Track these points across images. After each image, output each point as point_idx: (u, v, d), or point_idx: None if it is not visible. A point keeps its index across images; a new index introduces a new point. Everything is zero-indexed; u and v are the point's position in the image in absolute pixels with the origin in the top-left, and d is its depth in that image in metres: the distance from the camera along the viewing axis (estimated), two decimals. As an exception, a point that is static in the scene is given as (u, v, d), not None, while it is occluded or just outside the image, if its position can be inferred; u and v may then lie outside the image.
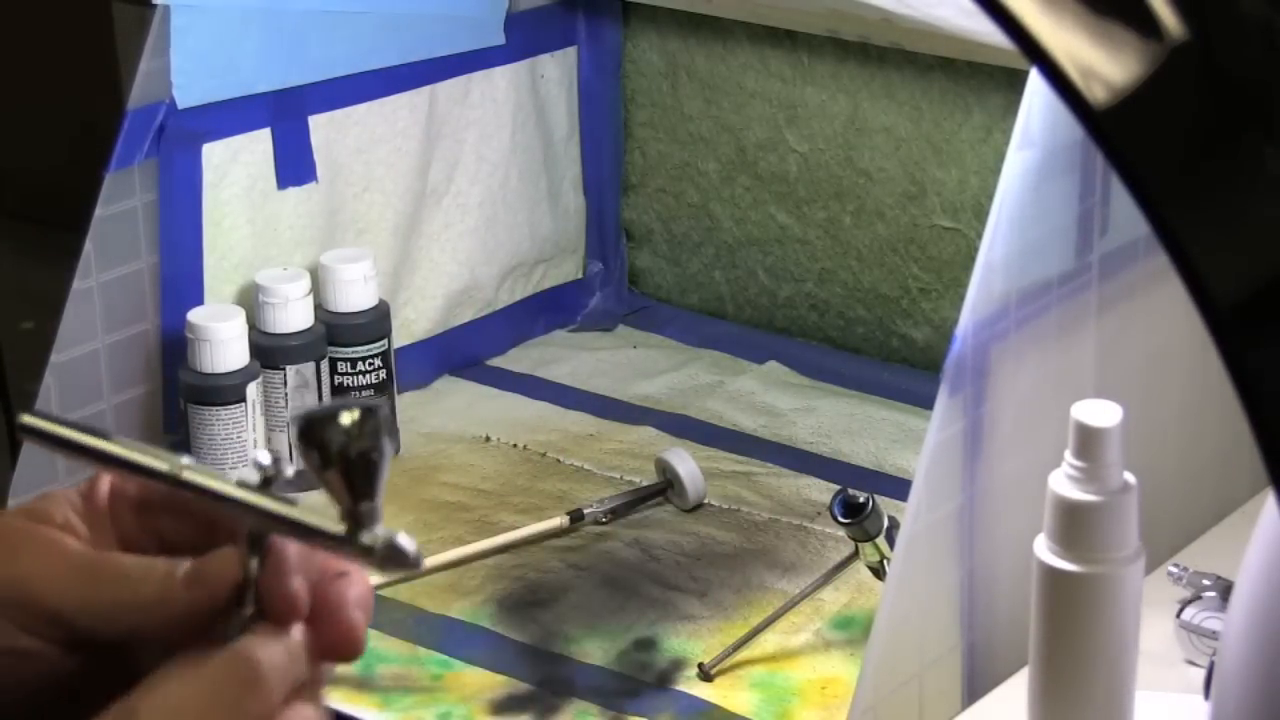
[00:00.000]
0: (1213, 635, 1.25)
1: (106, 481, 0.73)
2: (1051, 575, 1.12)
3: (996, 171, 1.20)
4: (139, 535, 0.72)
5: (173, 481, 0.70)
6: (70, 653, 0.70)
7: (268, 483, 0.70)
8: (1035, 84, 1.17)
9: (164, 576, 0.70)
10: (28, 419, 0.71)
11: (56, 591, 0.69)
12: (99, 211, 1.53)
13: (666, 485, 1.59)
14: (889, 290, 1.79)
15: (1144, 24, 0.60)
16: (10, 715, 0.71)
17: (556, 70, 1.87)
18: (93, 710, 0.71)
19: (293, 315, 1.59)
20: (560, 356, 1.85)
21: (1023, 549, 1.14)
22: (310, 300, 1.60)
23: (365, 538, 0.68)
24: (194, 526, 0.72)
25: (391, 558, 0.68)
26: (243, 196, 1.63)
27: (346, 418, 0.68)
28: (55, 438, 0.71)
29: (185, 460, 0.71)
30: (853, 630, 1.42)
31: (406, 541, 0.69)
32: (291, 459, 0.71)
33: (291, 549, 0.70)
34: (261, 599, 0.70)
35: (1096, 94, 0.59)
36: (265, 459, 0.70)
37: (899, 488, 1.47)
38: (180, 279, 1.59)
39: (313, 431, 0.69)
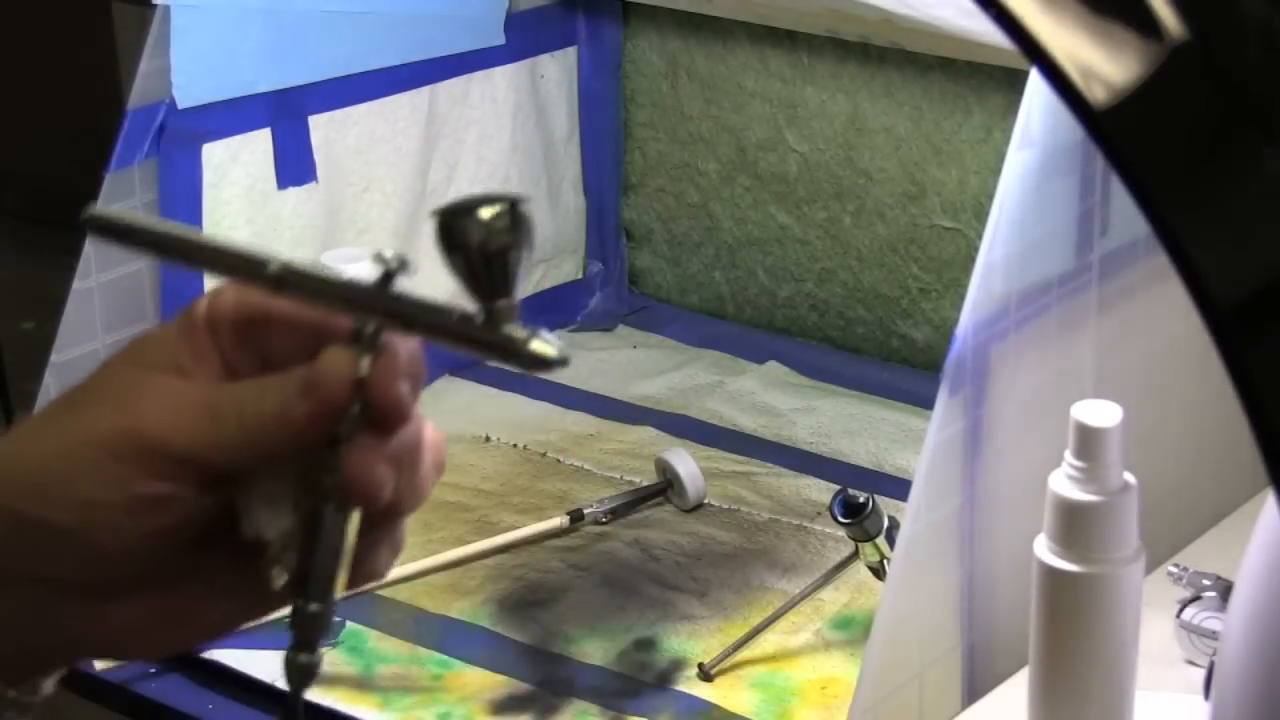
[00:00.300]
0: (1213, 635, 1.25)
1: (203, 310, 0.71)
2: (1051, 575, 1.12)
3: (996, 171, 1.20)
4: (242, 358, 0.71)
5: (277, 283, 0.69)
6: (203, 491, 0.69)
7: (388, 279, 0.68)
8: (1035, 84, 1.17)
9: (279, 392, 0.68)
10: (93, 213, 0.70)
11: (177, 434, 0.68)
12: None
13: (666, 485, 1.59)
14: (889, 290, 1.79)
15: (1144, 24, 0.60)
16: (153, 561, 0.70)
17: (556, 70, 1.87)
18: (229, 550, 0.71)
19: (293, 315, 1.59)
20: (560, 356, 1.84)
21: (1023, 549, 1.14)
22: (310, 300, 1.60)
23: (508, 331, 0.67)
24: (298, 340, 0.70)
25: (535, 355, 0.67)
26: (243, 196, 1.63)
27: (486, 211, 0.66)
28: (136, 232, 0.71)
29: (282, 260, 0.69)
30: (853, 630, 1.42)
31: (551, 339, 0.67)
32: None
33: (402, 351, 0.69)
34: (367, 399, 0.68)
35: (1096, 94, 0.59)
36: (389, 254, 0.68)
37: (899, 488, 1.47)
38: (180, 279, 1.58)
39: (451, 224, 0.66)
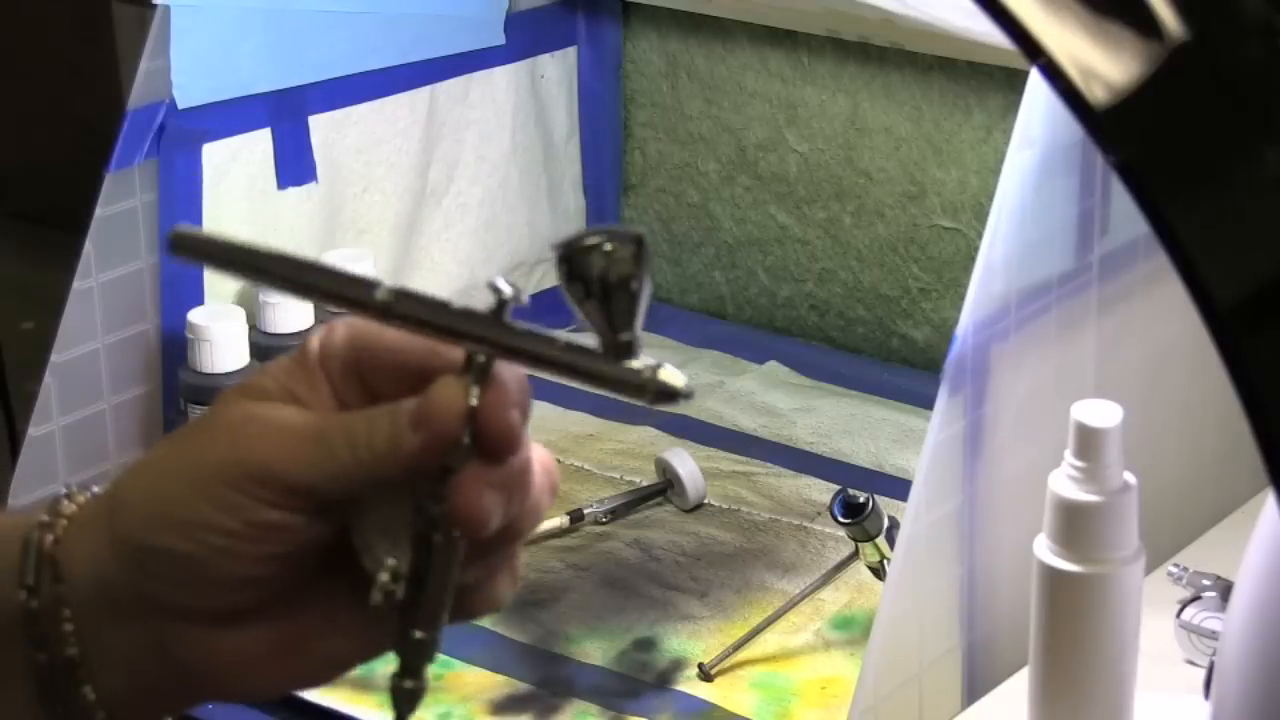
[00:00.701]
0: (1213, 635, 1.25)
1: (315, 345, 0.72)
2: (1051, 575, 1.12)
3: (996, 171, 1.20)
4: (353, 393, 0.72)
5: (384, 311, 0.69)
6: (314, 519, 0.70)
7: (502, 308, 0.68)
8: (1035, 84, 1.17)
9: (390, 422, 0.69)
10: (181, 230, 0.70)
11: (288, 462, 0.69)
12: (99, 211, 1.53)
13: (666, 485, 1.59)
14: (889, 290, 1.79)
15: (1144, 24, 0.60)
16: (269, 589, 0.71)
17: (556, 70, 1.87)
18: (346, 584, 0.72)
19: (293, 315, 1.59)
20: (560, 356, 1.84)
21: (1023, 549, 1.14)
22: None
23: (634, 366, 0.67)
24: (406, 376, 0.71)
25: (660, 388, 0.67)
26: (243, 196, 1.63)
27: (609, 244, 0.66)
28: (224, 255, 0.71)
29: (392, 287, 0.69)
30: (853, 630, 1.42)
31: (675, 373, 0.67)
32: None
33: (512, 380, 0.69)
34: (477, 429, 0.68)
35: (1096, 94, 0.59)
36: (505, 286, 0.68)
37: (899, 488, 1.47)
38: (180, 279, 1.58)
39: (574, 258, 0.66)
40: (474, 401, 0.68)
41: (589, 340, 0.68)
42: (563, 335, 0.69)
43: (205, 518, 0.70)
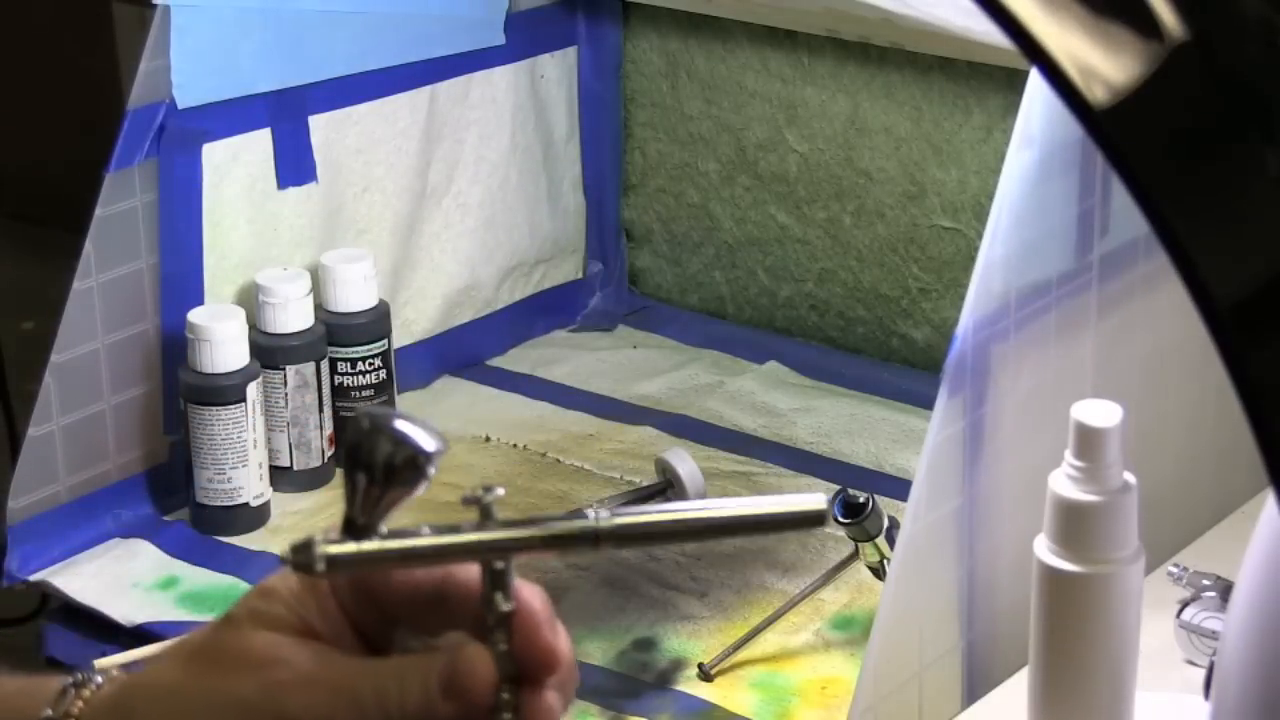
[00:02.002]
0: (1213, 635, 1.25)
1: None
2: (1051, 575, 1.12)
3: (996, 171, 1.20)
4: (367, 614, 0.72)
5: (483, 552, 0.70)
6: None
7: (487, 513, 0.70)
8: (1035, 84, 1.17)
9: (421, 685, 0.69)
10: (329, 549, 0.69)
11: (315, 714, 0.69)
12: (99, 211, 1.53)
13: (666, 485, 1.59)
14: (889, 290, 1.79)
15: (1144, 24, 0.60)
16: None
17: (556, 70, 1.87)
18: None
19: (293, 315, 1.59)
20: (560, 356, 1.85)
21: (1023, 549, 1.14)
22: (310, 300, 1.60)
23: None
24: (425, 592, 0.71)
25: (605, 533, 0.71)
26: (243, 196, 1.63)
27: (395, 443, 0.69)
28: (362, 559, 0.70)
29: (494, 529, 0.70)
30: (853, 630, 1.42)
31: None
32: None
33: (538, 602, 0.70)
34: (519, 656, 0.70)
35: (1096, 94, 0.59)
36: (498, 491, 0.70)
37: (899, 488, 1.48)
38: (180, 279, 1.59)
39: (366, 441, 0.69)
40: (505, 608, 0.70)
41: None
42: (543, 515, 0.72)
43: None
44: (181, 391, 1.55)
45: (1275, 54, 0.62)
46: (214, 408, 1.54)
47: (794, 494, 0.70)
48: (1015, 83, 1.50)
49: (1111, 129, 0.59)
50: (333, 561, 0.69)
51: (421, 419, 0.70)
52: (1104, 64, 0.59)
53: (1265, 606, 0.83)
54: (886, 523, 1.37)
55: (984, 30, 1.55)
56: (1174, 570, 1.30)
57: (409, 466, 0.68)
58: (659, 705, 1.35)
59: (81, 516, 1.55)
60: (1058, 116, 1.17)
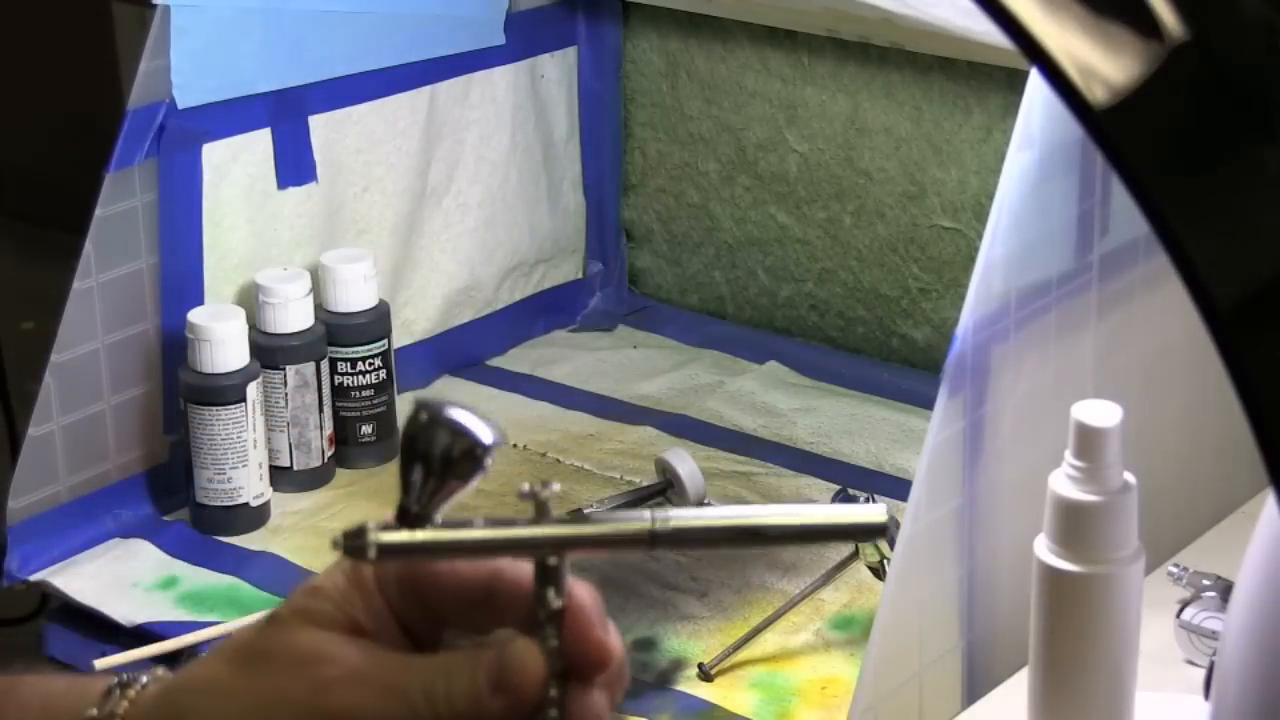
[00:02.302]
0: (1213, 635, 1.25)
1: (372, 568, 0.72)
2: (1051, 575, 1.12)
3: (996, 171, 1.20)
4: (414, 611, 0.71)
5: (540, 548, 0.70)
6: None
7: (542, 509, 0.70)
8: (1035, 84, 1.17)
9: (469, 681, 0.69)
10: (383, 537, 0.69)
11: (370, 716, 0.69)
12: (99, 211, 1.53)
13: (666, 485, 1.59)
14: (889, 290, 1.79)
15: (1144, 24, 0.60)
16: None
17: (556, 70, 1.87)
18: None
19: (293, 315, 1.59)
20: (560, 356, 1.85)
21: (1023, 549, 1.14)
22: (310, 300, 1.60)
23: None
24: (474, 590, 0.71)
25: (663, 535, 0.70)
26: (243, 196, 1.63)
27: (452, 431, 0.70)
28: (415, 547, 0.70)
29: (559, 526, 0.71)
30: (853, 630, 1.42)
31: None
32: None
33: (590, 599, 0.70)
34: (570, 653, 0.69)
35: (1096, 94, 0.59)
36: (554, 487, 0.70)
37: (899, 488, 1.47)
38: (180, 279, 1.59)
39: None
40: (557, 605, 0.70)
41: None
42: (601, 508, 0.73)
43: None
44: (181, 391, 1.55)
45: (1275, 54, 0.62)
46: (214, 408, 1.54)
47: (856, 504, 0.71)
48: (1015, 83, 1.50)
49: (1111, 129, 0.59)
50: (385, 549, 0.69)
51: (479, 410, 0.69)
52: (1104, 64, 0.59)
53: (1265, 606, 0.83)
54: (886, 523, 1.37)
55: (984, 30, 1.55)
56: (1174, 570, 1.30)
57: (467, 458, 0.69)
58: (659, 705, 1.35)
59: (81, 516, 1.55)
60: (1058, 117, 1.17)
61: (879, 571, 1.39)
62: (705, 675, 1.38)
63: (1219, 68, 0.61)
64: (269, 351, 1.59)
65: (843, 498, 1.36)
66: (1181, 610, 1.28)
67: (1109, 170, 1.18)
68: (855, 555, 1.42)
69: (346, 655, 0.70)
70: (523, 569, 0.70)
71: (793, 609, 1.44)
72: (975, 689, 1.26)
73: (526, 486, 0.70)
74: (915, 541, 1.19)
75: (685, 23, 1.85)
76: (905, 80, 1.73)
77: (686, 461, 1.58)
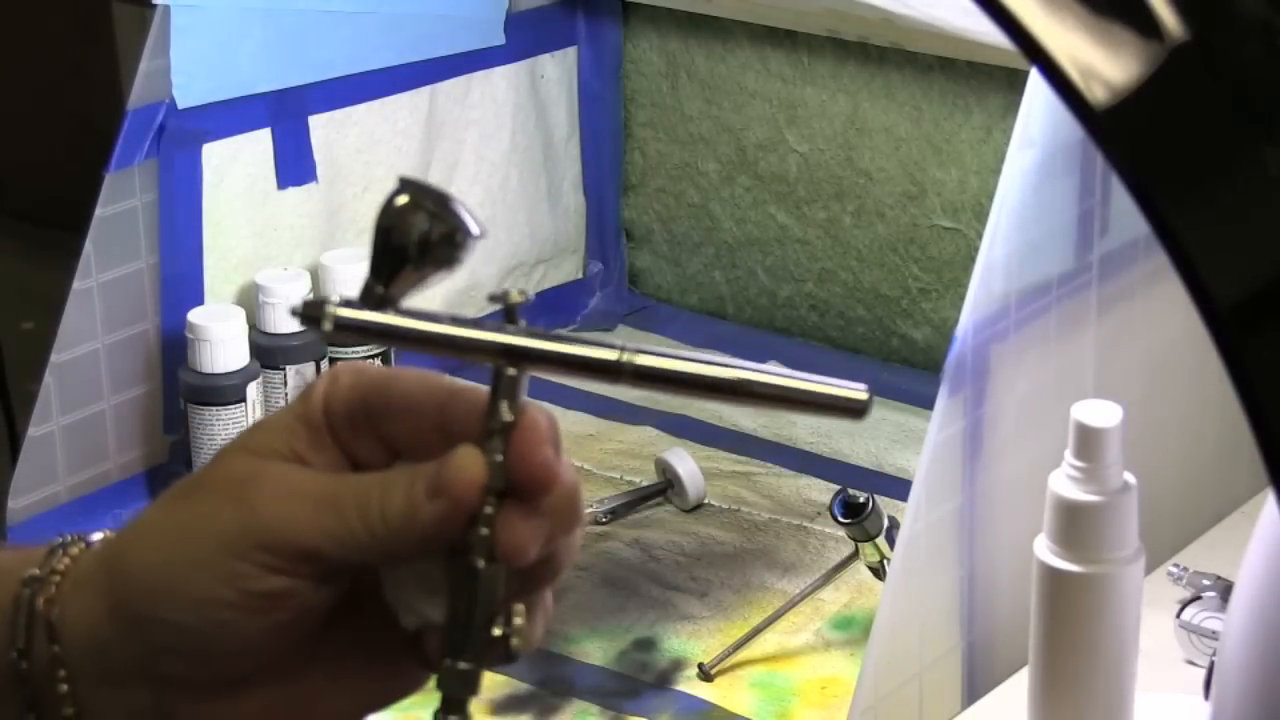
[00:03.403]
0: (1213, 635, 1.25)
1: (319, 395, 0.69)
2: (1051, 575, 1.12)
3: (996, 171, 1.20)
4: (363, 445, 0.69)
5: (511, 357, 0.66)
6: (322, 585, 0.67)
7: (511, 315, 0.67)
8: (1035, 84, 1.17)
9: (406, 490, 0.66)
10: (342, 311, 0.67)
11: (297, 528, 0.66)
12: (99, 211, 1.53)
13: (666, 485, 1.59)
14: (889, 290, 1.79)
15: (1144, 24, 0.60)
16: (271, 655, 0.68)
17: (556, 70, 1.87)
18: (351, 639, 0.70)
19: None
20: (560, 356, 1.84)
21: (1023, 549, 1.14)
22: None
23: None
24: (422, 424, 0.68)
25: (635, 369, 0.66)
26: (243, 196, 1.63)
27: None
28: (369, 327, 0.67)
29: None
30: (853, 630, 1.42)
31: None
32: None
33: (542, 417, 0.67)
34: (511, 469, 0.66)
35: (1096, 94, 0.59)
36: (531, 295, 0.67)
37: (899, 488, 1.47)
38: (180, 279, 1.59)
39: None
40: (508, 418, 0.66)
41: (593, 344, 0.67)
42: (564, 333, 0.68)
43: (210, 592, 0.67)
44: (181, 391, 1.55)
45: (1275, 54, 0.62)
46: (214, 408, 1.54)
47: (839, 379, 0.65)
48: (1015, 83, 1.50)
49: (1111, 129, 0.59)
50: (342, 323, 0.67)
51: (463, 203, 0.67)
52: (1104, 64, 0.59)
53: (1265, 606, 0.83)
54: (886, 523, 1.37)
55: (984, 30, 1.55)
56: (1174, 570, 1.30)
57: (445, 244, 0.66)
58: (659, 705, 1.35)
59: (81, 516, 1.55)
60: (1058, 117, 1.17)
61: (879, 571, 1.39)
62: (705, 675, 1.38)
63: (1219, 68, 0.61)
64: (269, 351, 1.59)
65: (842, 498, 1.36)
66: (1181, 610, 1.28)
67: (1109, 170, 1.18)
68: (855, 555, 1.42)
69: (280, 474, 0.68)
70: (480, 394, 0.67)
71: (793, 609, 1.44)
72: (975, 689, 1.26)
73: (497, 289, 0.66)
74: (915, 541, 1.19)
75: (685, 23, 1.85)
76: (905, 80, 1.73)
77: (686, 461, 1.58)
